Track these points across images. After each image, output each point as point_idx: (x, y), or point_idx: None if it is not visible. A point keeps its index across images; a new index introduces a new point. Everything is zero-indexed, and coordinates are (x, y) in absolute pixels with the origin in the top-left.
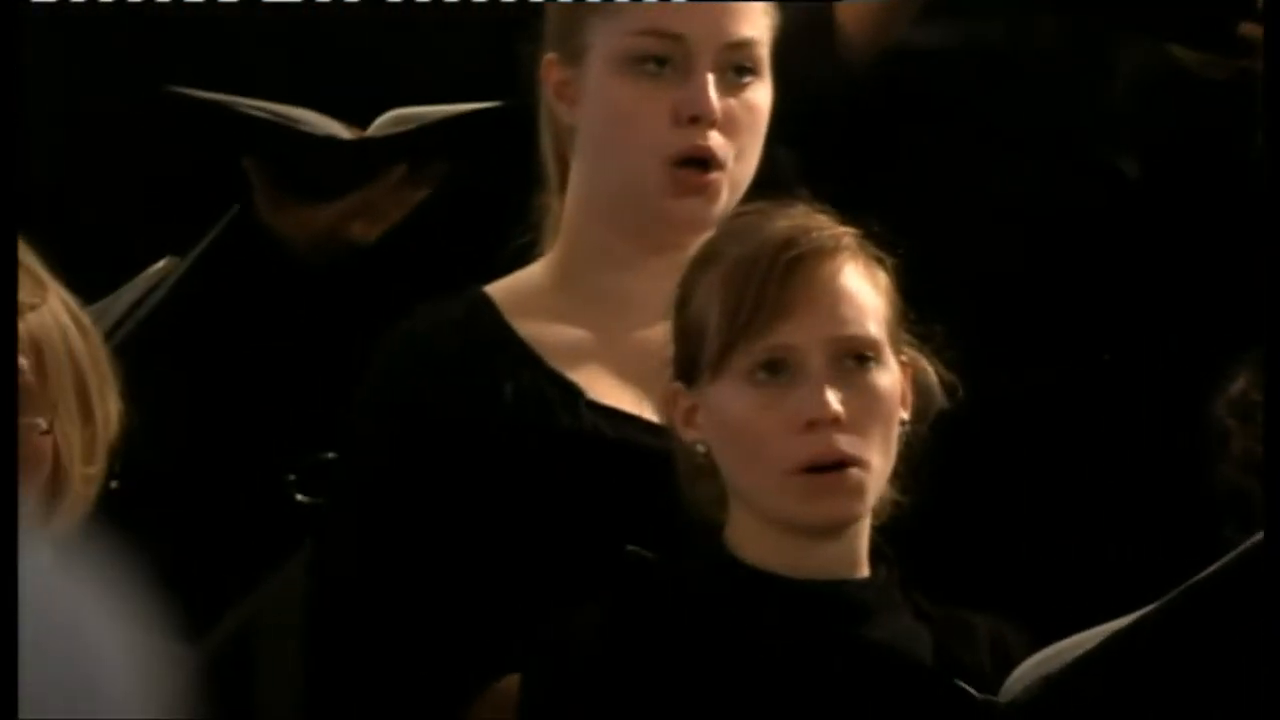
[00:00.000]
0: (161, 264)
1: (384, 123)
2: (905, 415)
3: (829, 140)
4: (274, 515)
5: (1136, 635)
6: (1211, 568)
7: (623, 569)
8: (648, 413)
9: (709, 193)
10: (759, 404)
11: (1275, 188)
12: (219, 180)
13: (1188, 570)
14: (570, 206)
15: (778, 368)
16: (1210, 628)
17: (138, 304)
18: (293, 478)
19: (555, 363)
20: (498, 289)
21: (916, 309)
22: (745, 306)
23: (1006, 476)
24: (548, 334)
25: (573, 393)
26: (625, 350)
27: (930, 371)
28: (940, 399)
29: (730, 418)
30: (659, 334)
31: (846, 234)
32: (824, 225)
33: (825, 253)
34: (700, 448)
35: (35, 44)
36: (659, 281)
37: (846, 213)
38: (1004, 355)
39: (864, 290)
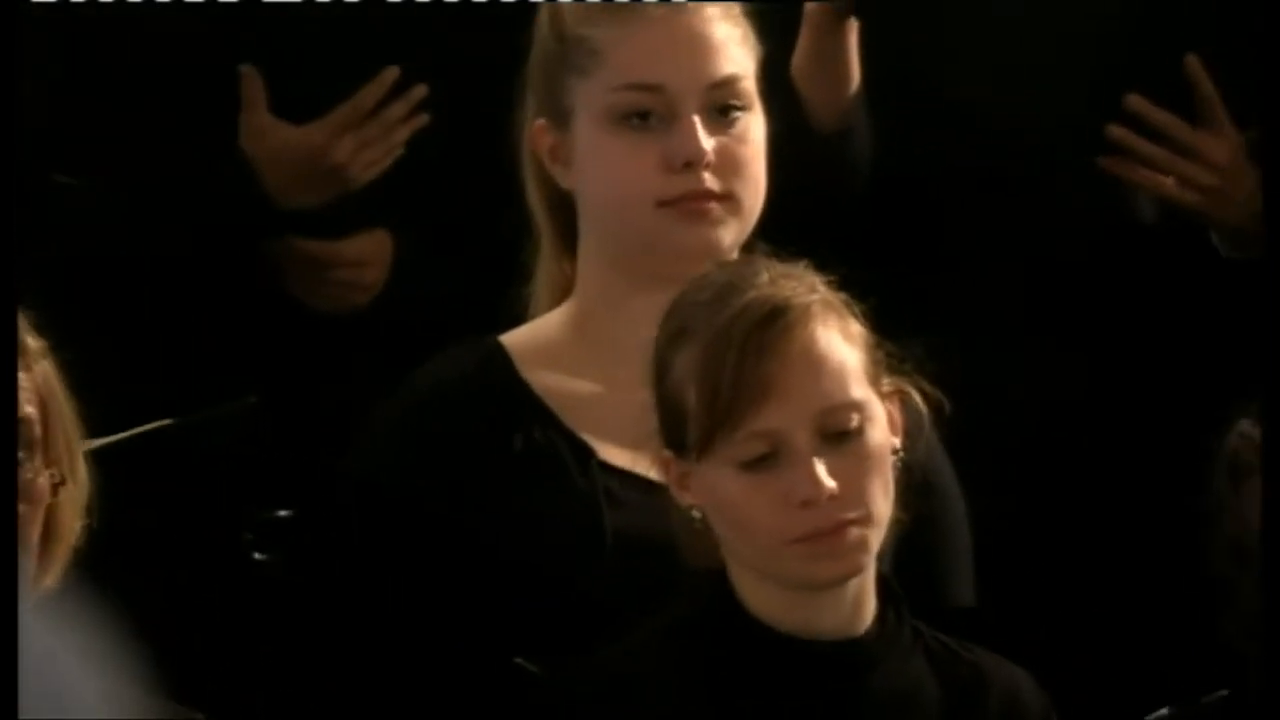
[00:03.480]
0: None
1: None
2: (897, 443)
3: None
4: (231, 573)
5: None
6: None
7: (510, 681)
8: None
9: (710, 218)
10: (749, 487)
11: (1273, 202)
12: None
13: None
14: (582, 261)
15: (764, 451)
16: None
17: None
18: (250, 536)
19: (568, 419)
20: (514, 339)
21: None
22: (723, 393)
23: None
24: (562, 387)
25: (584, 453)
26: (639, 405)
27: (915, 394)
28: (928, 418)
29: (721, 498)
30: None
31: (814, 296)
32: (792, 291)
33: (797, 324)
34: (696, 513)
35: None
36: None
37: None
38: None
39: (840, 350)
